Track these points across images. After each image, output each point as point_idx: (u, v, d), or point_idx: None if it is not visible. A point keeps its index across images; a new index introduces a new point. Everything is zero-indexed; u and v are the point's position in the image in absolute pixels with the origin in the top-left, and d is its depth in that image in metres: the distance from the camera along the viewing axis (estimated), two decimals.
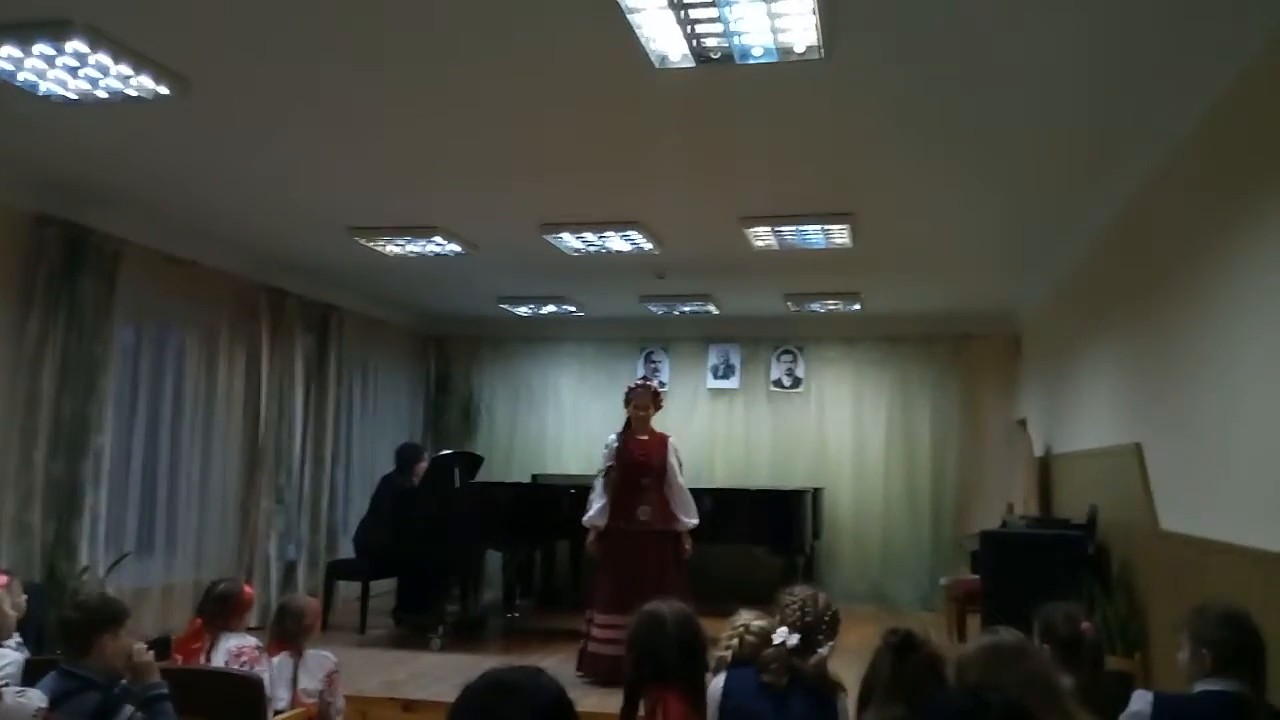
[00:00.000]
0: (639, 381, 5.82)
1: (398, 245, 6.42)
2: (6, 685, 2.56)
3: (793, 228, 5.73)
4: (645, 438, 5.51)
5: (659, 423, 5.65)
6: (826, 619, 2.53)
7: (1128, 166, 4.53)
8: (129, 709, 2.66)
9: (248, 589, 3.78)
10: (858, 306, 8.16)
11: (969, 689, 1.72)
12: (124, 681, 2.77)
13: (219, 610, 3.58)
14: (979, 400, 8.65)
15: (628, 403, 5.57)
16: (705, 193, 5.25)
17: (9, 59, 3.61)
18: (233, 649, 3.44)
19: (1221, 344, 3.61)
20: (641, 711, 2.10)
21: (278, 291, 7.22)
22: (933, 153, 4.50)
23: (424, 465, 7.25)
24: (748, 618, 2.70)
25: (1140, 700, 2.43)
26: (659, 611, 2.23)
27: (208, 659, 3.46)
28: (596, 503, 5.46)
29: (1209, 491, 3.71)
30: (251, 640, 3.54)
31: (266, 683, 3.28)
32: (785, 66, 3.47)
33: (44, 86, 3.84)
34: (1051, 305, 7.05)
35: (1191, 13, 3.14)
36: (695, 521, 5.45)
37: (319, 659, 3.70)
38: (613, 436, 5.59)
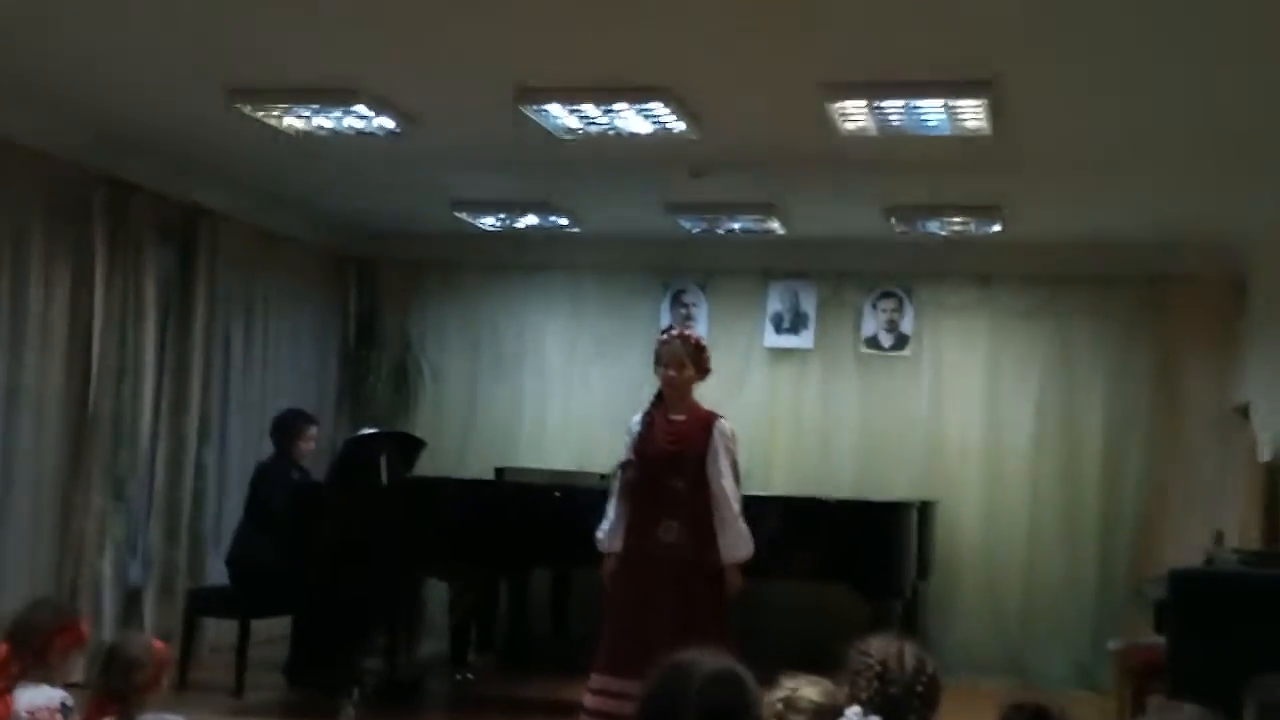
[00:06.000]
0: (673, 332, 5.82)
1: (300, 117, 6.41)
2: None
3: (901, 102, 5.69)
4: (681, 418, 5.54)
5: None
6: (920, 688, 2.58)
7: None
8: None
9: (75, 620, 3.85)
10: (997, 228, 8.13)
11: None
12: None
13: (25, 645, 3.63)
14: (1178, 375, 8.62)
15: (657, 364, 5.58)
16: (767, 46, 5.19)
17: None
18: (30, 704, 3.48)
19: None
20: None
21: (122, 184, 7.25)
22: None
23: (311, 444, 7.38)
24: (796, 684, 2.68)
25: None
26: (685, 664, 2.24)
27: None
28: (611, 514, 5.52)
29: None
30: (59, 695, 3.57)
31: None
32: None
33: None
34: None
35: None
36: (746, 553, 5.45)
37: None
38: (637, 416, 5.64)
